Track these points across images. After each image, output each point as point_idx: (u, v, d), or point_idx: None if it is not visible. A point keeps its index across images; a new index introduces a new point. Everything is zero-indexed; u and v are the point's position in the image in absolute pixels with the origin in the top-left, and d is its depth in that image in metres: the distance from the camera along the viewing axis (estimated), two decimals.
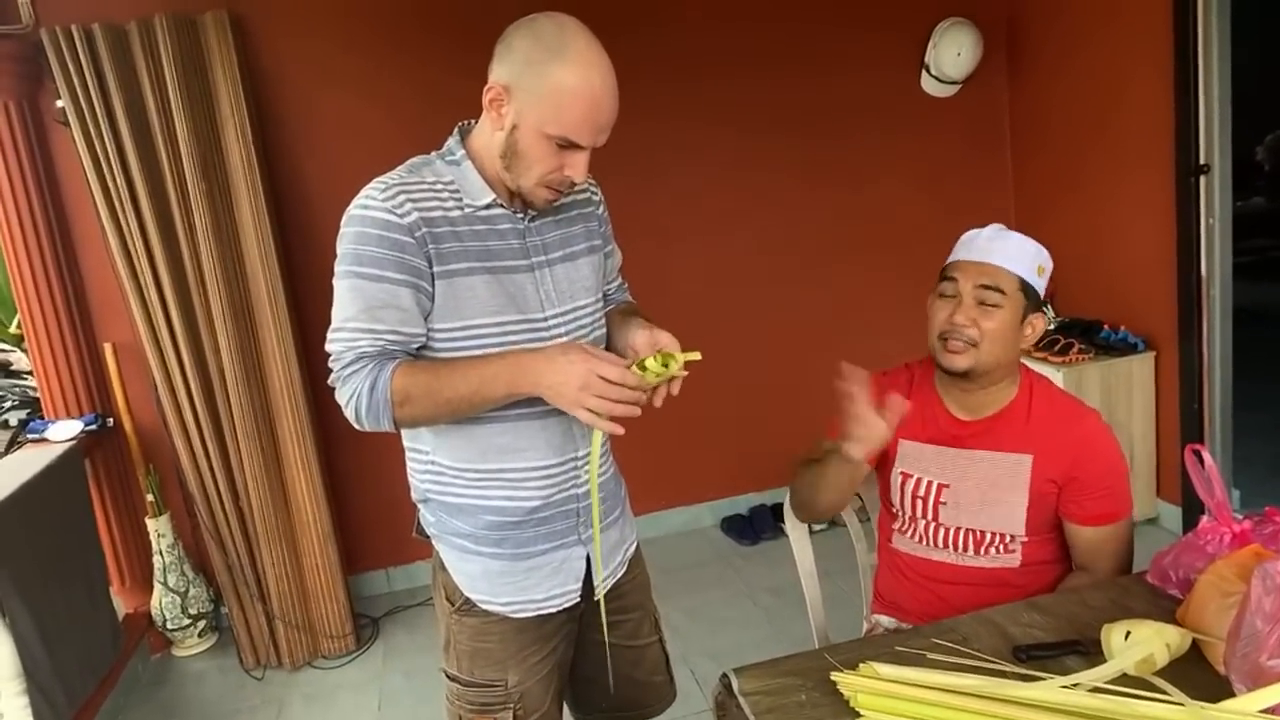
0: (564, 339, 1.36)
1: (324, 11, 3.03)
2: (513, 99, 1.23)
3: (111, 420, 2.97)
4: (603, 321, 1.48)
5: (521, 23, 1.25)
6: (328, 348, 1.29)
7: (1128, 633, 1.19)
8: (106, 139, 2.64)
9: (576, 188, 1.36)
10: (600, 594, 1.47)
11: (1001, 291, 1.50)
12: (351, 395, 1.26)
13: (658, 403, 1.25)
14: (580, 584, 1.45)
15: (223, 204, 2.78)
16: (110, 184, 2.68)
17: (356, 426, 1.29)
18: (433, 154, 1.36)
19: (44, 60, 2.63)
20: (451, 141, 1.35)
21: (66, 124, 2.66)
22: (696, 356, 1.23)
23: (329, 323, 1.28)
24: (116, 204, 2.69)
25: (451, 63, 3.02)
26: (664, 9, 3.33)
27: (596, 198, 1.50)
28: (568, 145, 1.24)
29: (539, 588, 1.41)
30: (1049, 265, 1.57)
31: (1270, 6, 4.43)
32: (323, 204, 3.09)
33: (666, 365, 1.22)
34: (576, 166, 1.27)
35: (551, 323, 1.36)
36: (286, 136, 3.06)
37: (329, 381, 1.30)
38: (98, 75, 2.62)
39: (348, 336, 1.26)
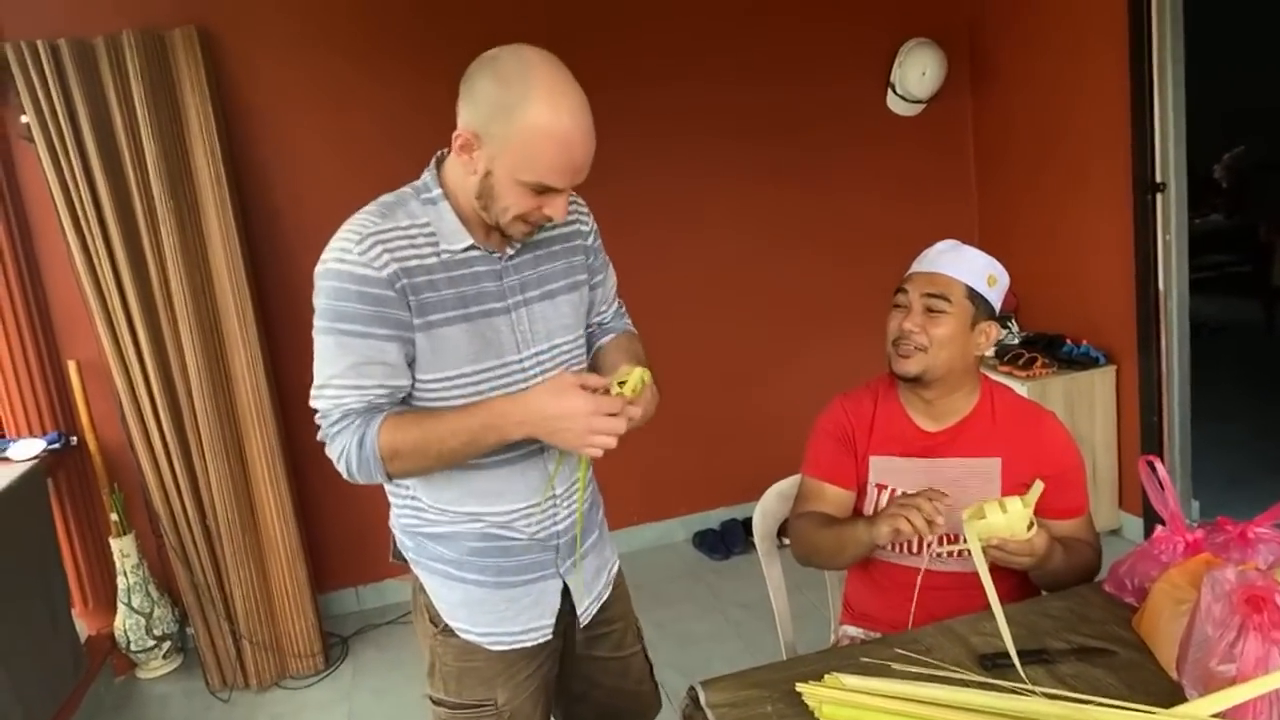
0: (539, 380, 1.31)
1: (294, 31, 3.02)
2: (483, 145, 1.18)
3: (75, 439, 2.92)
4: (583, 356, 1.45)
5: (483, 60, 1.19)
6: (313, 404, 1.26)
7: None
8: (72, 155, 2.62)
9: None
10: (585, 621, 1.48)
11: (947, 299, 1.55)
12: (341, 453, 1.24)
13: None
14: (554, 619, 1.43)
15: (191, 222, 2.77)
16: (76, 200, 2.65)
17: (351, 481, 1.28)
18: (407, 189, 1.30)
19: (8, 76, 2.60)
20: (428, 176, 1.29)
21: (31, 140, 2.62)
22: (641, 370, 1.25)
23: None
24: (82, 221, 2.66)
25: (415, 91, 3.04)
26: (632, 13, 3.29)
27: (586, 227, 1.44)
28: (544, 190, 1.20)
29: (516, 620, 1.40)
30: (1002, 277, 1.61)
31: (1227, 28, 4.55)
32: (293, 222, 3.08)
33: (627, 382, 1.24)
34: (555, 206, 1.22)
35: (528, 363, 1.33)
36: (257, 155, 3.04)
37: (318, 438, 1.28)
38: (64, 91, 2.60)
39: (334, 394, 1.23)
